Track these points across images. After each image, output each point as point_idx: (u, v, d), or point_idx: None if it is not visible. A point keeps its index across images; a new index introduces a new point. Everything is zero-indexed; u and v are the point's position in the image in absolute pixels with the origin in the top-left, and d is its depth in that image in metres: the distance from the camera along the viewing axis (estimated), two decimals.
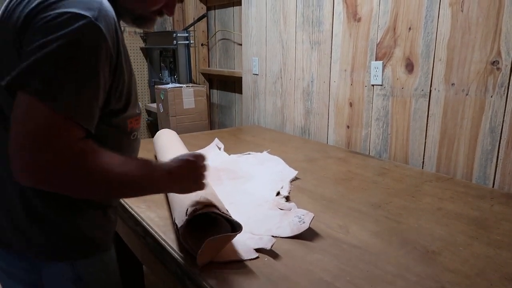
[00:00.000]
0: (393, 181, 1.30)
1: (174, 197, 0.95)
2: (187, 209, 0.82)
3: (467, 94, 1.31)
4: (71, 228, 0.73)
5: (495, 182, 1.27)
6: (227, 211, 0.84)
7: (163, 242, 0.91)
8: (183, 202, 0.88)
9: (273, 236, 0.91)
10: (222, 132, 2.12)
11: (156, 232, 0.95)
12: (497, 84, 1.23)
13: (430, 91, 1.42)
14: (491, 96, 1.25)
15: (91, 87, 0.62)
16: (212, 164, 1.34)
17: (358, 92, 1.70)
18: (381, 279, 0.75)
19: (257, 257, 0.83)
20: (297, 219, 0.95)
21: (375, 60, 1.59)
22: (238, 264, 0.81)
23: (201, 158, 0.78)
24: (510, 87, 1.20)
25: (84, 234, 0.74)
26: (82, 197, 0.70)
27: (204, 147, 1.67)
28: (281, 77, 2.14)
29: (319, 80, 1.89)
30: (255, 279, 0.75)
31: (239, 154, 1.57)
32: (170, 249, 0.88)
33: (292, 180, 1.31)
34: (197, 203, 0.83)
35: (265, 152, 1.55)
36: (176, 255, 0.86)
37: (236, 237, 0.83)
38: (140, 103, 0.83)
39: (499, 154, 1.25)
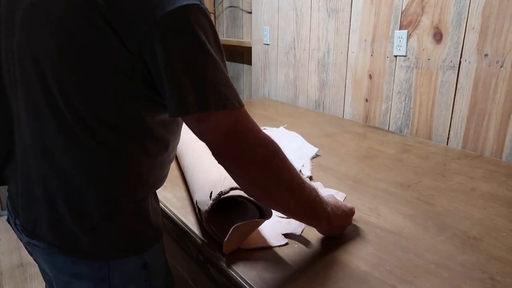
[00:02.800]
0: (419, 159, 1.23)
1: (193, 176, 0.89)
2: (211, 192, 0.75)
3: (501, 66, 1.22)
4: (140, 218, 0.68)
5: None
6: None
7: (183, 225, 0.85)
8: (205, 183, 0.81)
9: None
10: None
11: (174, 215, 0.89)
12: None
13: (460, 62, 1.33)
14: None
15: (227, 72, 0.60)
16: None
17: (379, 63, 1.60)
18: (423, 269, 0.69)
19: (287, 244, 0.77)
20: None
21: (399, 29, 1.49)
22: (266, 251, 0.75)
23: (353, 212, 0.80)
24: None
25: (149, 222, 0.70)
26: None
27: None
28: (294, 47, 2.03)
29: (336, 50, 1.78)
30: (286, 269, 0.70)
31: None
32: (192, 233, 0.82)
33: (313, 158, 1.24)
34: (221, 185, 0.76)
35: (281, 128, 1.48)
36: (198, 240, 0.80)
37: (242, 218, 0.78)
38: None
39: None
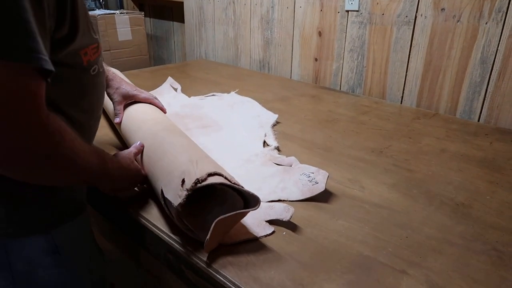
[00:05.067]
0: (381, 121, 1.19)
1: (153, 159, 0.73)
2: (183, 179, 0.61)
3: (458, 21, 1.19)
4: (45, 196, 0.61)
5: (481, 116, 1.22)
6: (234, 178, 0.65)
7: (143, 221, 0.71)
8: (171, 167, 0.66)
9: (280, 201, 0.75)
10: (167, 68, 1.82)
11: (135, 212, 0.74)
12: (494, 9, 1.12)
13: (416, 17, 1.28)
14: (486, 23, 1.14)
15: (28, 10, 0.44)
16: (171, 109, 1.10)
17: (329, 19, 1.50)
18: (426, 247, 0.64)
19: (273, 232, 0.66)
20: (305, 177, 0.79)
21: None
22: (251, 244, 0.64)
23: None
24: (508, 11, 1.10)
25: (55, 194, 0.62)
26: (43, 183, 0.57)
27: (154, 89, 1.40)
28: (233, 2, 1.85)
29: (281, 5, 1.65)
30: (281, 263, 0.59)
31: (201, 96, 1.33)
32: (157, 230, 0.68)
33: (273, 125, 1.13)
34: (195, 170, 0.62)
35: (233, 93, 1.33)
36: (166, 238, 0.66)
37: (219, 208, 0.65)
38: (94, 32, 0.63)
39: (489, 86, 1.18)
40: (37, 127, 0.47)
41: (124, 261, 0.91)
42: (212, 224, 0.57)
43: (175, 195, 0.61)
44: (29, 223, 0.60)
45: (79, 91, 0.61)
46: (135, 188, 0.78)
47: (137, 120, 0.87)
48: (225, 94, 1.34)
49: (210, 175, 0.61)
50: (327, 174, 0.77)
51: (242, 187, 0.62)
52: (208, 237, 0.57)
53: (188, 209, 0.63)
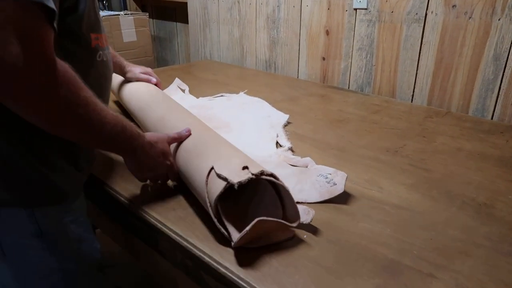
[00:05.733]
0: (393, 120, 1.17)
1: (205, 140, 0.74)
2: (245, 166, 0.61)
3: (470, 18, 1.17)
4: (34, 175, 0.63)
5: (495, 114, 1.20)
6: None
7: (159, 225, 0.69)
8: (226, 153, 0.68)
9: (298, 203, 0.73)
10: (173, 69, 1.81)
11: (143, 210, 0.72)
12: (507, 5, 1.10)
13: (426, 14, 1.26)
14: (499, 19, 1.12)
15: None
16: None
17: (337, 17, 1.49)
18: (452, 249, 0.62)
19: (293, 236, 0.65)
20: (323, 179, 0.77)
21: None
22: (272, 247, 0.62)
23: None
24: None
25: (49, 182, 0.65)
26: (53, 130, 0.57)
27: (162, 90, 1.38)
28: (238, 2, 1.83)
29: (288, 4, 1.63)
30: (304, 267, 0.58)
31: (209, 97, 1.32)
32: (174, 235, 0.66)
33: (285, 126, 1.11)
34: (255, 164, 0.63)
35: (242, 94, 1.32)
36: (185, 243, 0.64)
37: (256, 207, 0.65)
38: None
39: (502, 84, 1.16)
40: (44, 68, 0.49)
41: (132, 265, 0.90)
42: (254, 219, 0.56)
43: (233, 175, 0.59)
44: (13, 195, 0.62)
45: (83, 71, 0.59)
46: (170, 183, 0.77)
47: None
48: (234, 94, 1.32)
49: (268, 175, 0.61)
50: (346, 175, 0.75)
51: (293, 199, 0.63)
52: (248, 229, 0.56)
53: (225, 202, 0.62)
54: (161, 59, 2.66)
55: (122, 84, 1.11)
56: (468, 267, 0.58)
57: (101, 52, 0.70)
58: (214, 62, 2.00)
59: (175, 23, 2.44)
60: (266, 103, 1.23)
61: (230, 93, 1.35)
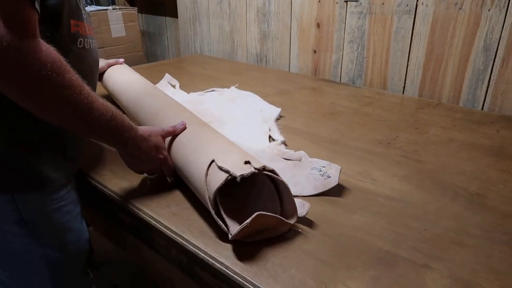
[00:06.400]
0: (385, 112, 1.17)
1: (203, 134, 0.73)
2: (247, 161, 0.61)
3: (460, 9, 1.18)
4: (14, 159, 0.63)
5: (485, 104, 1.21)
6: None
7: (153, 221, 0.68)
8: (229, 147, 0.68)
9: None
10: (163, 64, 1.79)
11: (138, 208, 0.71)
12: None
13: (417, 6, 1.26)
14: (489, 10, 1.13)
15: None
16: None
17: (327, 10, 1.48)
18: (445, 240, 0.62)
19: (289, 230, 0.65)
20: (317, 172, 0.77)
21: None
22: (267, 241, 0.62)
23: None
24: None
25: (32, 169, 0.65)
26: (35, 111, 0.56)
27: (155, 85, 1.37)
28: None
29: None
30: (300, 260, 0.58)
31: (200, 92, 1.31)
32: (169, 232, 0.66)
33: (277, 119, 1.11)
34: (256, 160, 0.63)
35: (233, 88, 1.31)
36: (179, 239, 0.64)
37: (254, 202, 0.65)
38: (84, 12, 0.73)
39: (492, 74, 1.17)
40: (27, 48, 0.49)
41: (127, 263, 0.89)
42: (253, 213, 0.56)
43: (236, 168, 0.59)
44: None
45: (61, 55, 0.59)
46: (168, 179, 0.77)
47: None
48: (225, 89, 1.31)
49: (269, 171, 0.61)
50: (340, 167, 0.75)
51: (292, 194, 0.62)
52: (248, 222, 0.56)
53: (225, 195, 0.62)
54: (151, 54, 2.64)
55: (110, 76, 1.10)
56: (461, 257, 0.59)
57: (82, 39, 0.69)
58: (204, 57, 1.98)
59: (164, 17, 2.42)
60: (258, 97, 1.23)
61: (221, 87, 1.34)
